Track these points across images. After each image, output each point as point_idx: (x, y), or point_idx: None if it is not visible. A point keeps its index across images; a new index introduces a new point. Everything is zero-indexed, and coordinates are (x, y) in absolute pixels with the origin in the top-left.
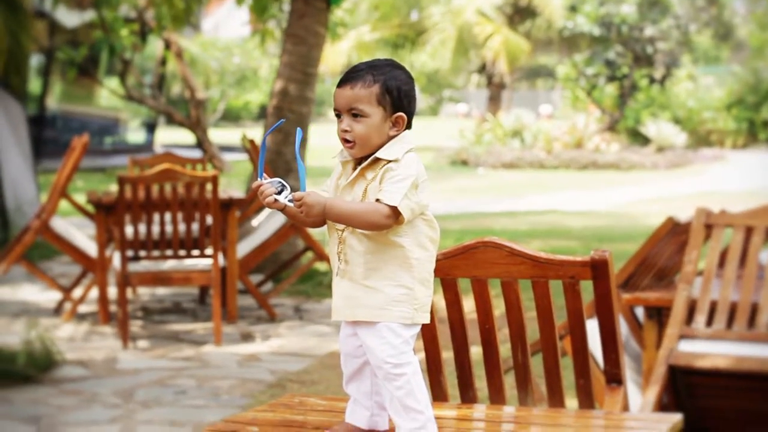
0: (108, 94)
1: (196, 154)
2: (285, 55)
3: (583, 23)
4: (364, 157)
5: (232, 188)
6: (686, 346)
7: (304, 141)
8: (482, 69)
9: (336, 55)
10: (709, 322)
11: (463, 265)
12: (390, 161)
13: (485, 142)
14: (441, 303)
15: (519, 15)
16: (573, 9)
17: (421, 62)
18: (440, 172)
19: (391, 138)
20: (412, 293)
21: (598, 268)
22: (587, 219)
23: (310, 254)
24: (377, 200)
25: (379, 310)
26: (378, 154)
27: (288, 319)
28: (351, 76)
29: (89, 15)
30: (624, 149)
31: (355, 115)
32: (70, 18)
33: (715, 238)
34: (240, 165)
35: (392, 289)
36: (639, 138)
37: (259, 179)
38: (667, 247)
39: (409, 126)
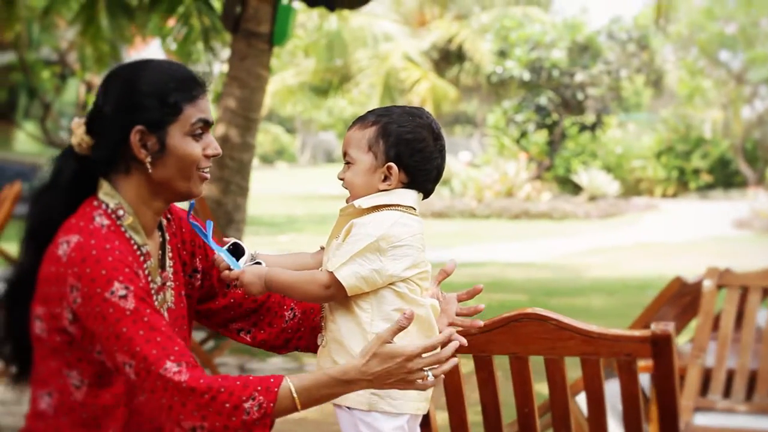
0: (26, 139)
1: None
2: (225, 99)
3: (512, 68)
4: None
5: None
6: (702, 420)
7: (244, 190)
8: None
9: None
10: (727, 392)
11: (500, 340)
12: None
13: None
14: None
15: (446, 60)
16: (502, 54)
17: (340, 108)
18: None
19: (380, 191)
20: None
21: (659, 345)
22: (527, 271)
23: None
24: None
25: None
26: (355, 202)
27: None
28: (359, 117)
29: (8, 57)
30: (555, 198)
31: (348, 162)
32: None
33: (729, 301)
34: None
35: None
36: (569, 186)
37: (216, 253)
38: (672, 308)
39: (415, 185)
